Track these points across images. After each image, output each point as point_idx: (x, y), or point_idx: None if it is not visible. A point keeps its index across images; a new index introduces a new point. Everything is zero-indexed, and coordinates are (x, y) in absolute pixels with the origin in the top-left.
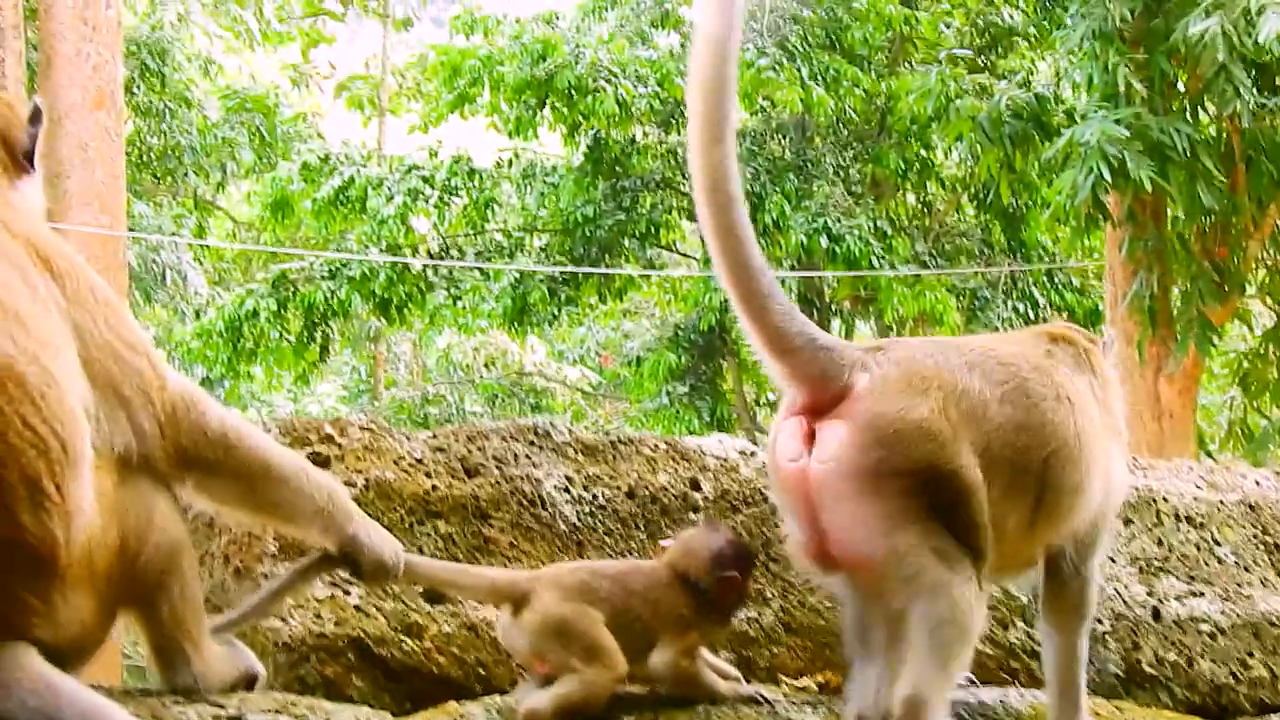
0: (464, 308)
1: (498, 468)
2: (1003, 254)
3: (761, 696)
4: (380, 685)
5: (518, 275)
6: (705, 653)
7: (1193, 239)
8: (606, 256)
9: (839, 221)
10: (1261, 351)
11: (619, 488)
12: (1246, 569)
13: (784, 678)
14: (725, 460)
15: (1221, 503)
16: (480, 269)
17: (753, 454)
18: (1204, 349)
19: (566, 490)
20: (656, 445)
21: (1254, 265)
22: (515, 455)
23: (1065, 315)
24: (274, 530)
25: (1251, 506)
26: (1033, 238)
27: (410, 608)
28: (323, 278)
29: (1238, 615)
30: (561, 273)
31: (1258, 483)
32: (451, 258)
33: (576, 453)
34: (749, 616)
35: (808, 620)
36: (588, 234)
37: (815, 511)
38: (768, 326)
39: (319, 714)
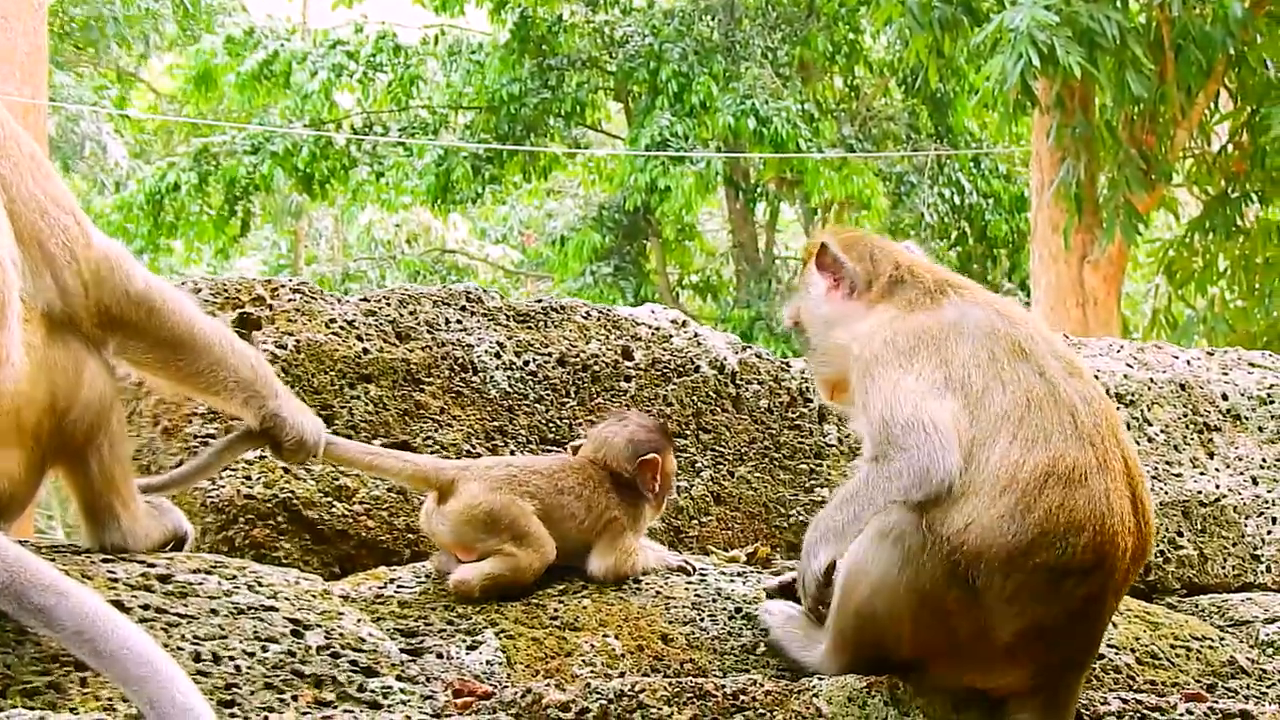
0: (387, 184)
1: (429, 332)
2: (930, 139)
3: (690, 565)
4: (308, 548)
5: (442, 152)
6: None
7: (1120, 127)
8: (531, 135)
9: (767, 103)
10: (1187, 240)
11: (550, 355)
12: (1176, 448)
13: (713, 548)
14: (658, 330)
15: (1152, 381)
16: (404, 145)
17: (684, 324)
18: (1130, 237)
19: (498, 356)
20: (589, 313)
21: (1181, 154)
22: (447, 320)
23: (991, 201)
24: (197, 400)
25: (1182, 386)
26: (960, 123)
27: (340, 470)
28: (245, 152)
29: (1167, 494)
30: (486, 150)
31: (1189, 363)
32: (375, 134)
33: (508, 319)
34: (679, 486)
35: (737, 491)
36: (513, 112)
37: None
38: None
39: (248, 575)
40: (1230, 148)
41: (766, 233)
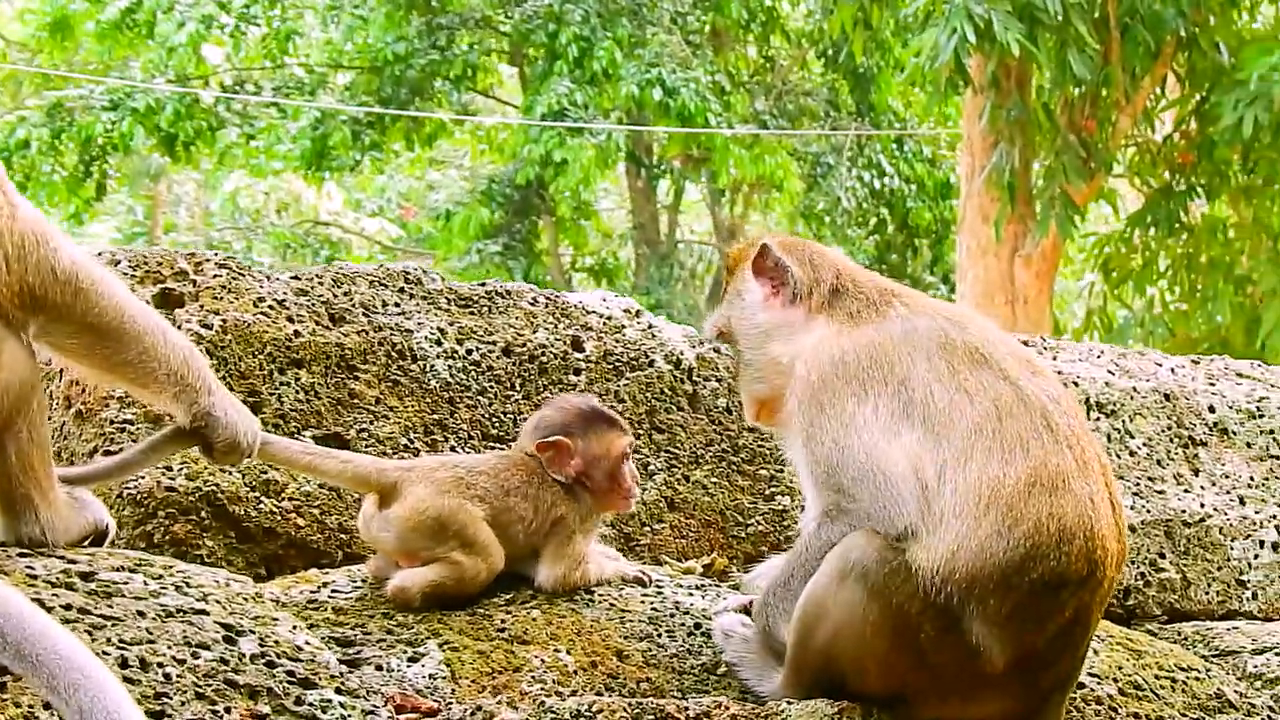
0: (258, 148)
1: (365, 315)
2: (850, 117)
3: (647, 576)
4: (233, 547)
5: (318, 115)
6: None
7: (1059, 111)
8: (416, 99)
9: (674, 73)
10: (1126, 236)
11: (495, 343)
12: (1160, 463)
13: (667, 558)
14: (610, 319)
15: (1135, 390)
16: (278, 106)
17: (638, 314)
18: (1065, 230)
19: (438, 343)
20: (536, 299)
21: (1123, 143)
22: (384, 302)
23: (914, 187)
24: (124, 392)
25: (1167, 396)
26: (883, 101)
27: (268, 463)
28: (103, 108)
29: (1149, 512)
30: (366, 114)
31: (1173, 371)
32: (246, 93)
33: (450, 303)
34: None
35: (693, 496)
36: (397, 74)
37: None
38: None
39: (176, 575)
40: (1176, 137)
41: (669, 214)
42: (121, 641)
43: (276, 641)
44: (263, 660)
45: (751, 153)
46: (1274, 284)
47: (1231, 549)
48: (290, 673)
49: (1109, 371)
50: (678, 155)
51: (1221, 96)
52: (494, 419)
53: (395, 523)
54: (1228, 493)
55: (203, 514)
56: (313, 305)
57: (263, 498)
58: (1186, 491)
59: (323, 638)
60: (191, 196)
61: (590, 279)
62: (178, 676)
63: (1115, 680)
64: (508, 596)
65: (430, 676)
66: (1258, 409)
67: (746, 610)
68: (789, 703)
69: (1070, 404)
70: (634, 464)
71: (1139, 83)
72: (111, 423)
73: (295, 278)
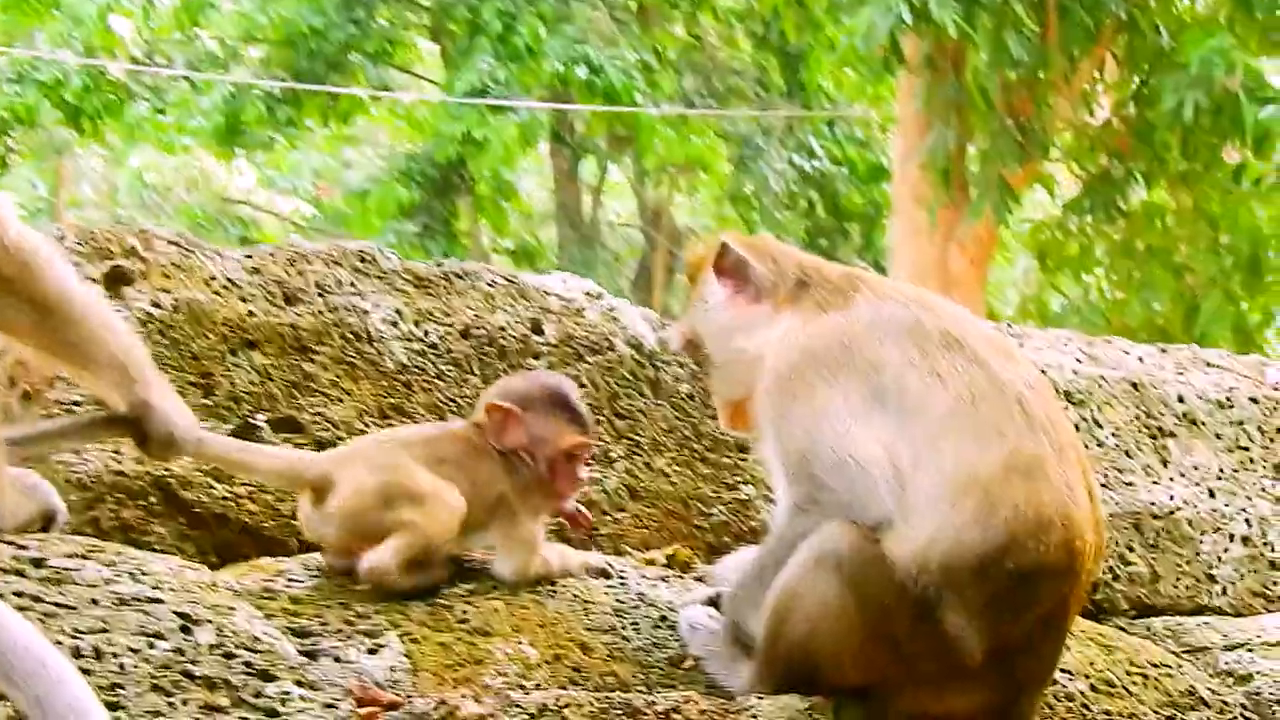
0: (167, 123)
1: (320, 295)
2: (780, 97)
3: (611, 568)
4: (184, 533)
5: (231, 90)
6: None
7: (996, 93)
8: (333, 75)
9: (600, 50)
10: (1063, 222)
11: (453, 325)
12: (1128, 454)
13: (629, 549)
14: (570, 302)
15: (1103, 379)
16: (189, 80)
17: (599, 296)
18: (1000, 215)
19: (395, 325)
20: (494, 280)
21: (1060, 126)
22: (339, 282)
23: (846, 170)
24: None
25: (1135, 385)
26: (814, 81)
27: (204, 461)
28: (8, 80)
29: (1118, 504)
30: (281, 89)
31: (1141, 359)
32: (156, 65)
33: (406, 283)
34: (590, 477)
35: (655, 485)
36: (313, 48)
37: None
38: None
39: (129, 562)
40: (1115, 121)
41: (593, 195)
42: (76, 631)
43: (234, 632)
44: (220, 651)
45: (679, 133)
46: (1212, 272)
47: (1201, 542)
48: (248, 664)
49: (1076, 359)
50: (602, 135)
51: (1161, 80)
52: (452, 403)
53: (336, 515)
54: (1197, 484)
55: (152, 499)
56: (266, 285)
57: (214, 483)
58: (1156, 483)
59: (280, 628)
60: (97, 172)
61: (510, 261)
62: (133, 667)
63: (1086, 676)
64: (469, 587)
65: (390, 669)
66: (1227, 399)
67: (713, 602)
68: (759, 697)
69: (1046, 390)
70: (589, 472)
71: (1077, 65)
72: (59, 404)
73: (248, 256)
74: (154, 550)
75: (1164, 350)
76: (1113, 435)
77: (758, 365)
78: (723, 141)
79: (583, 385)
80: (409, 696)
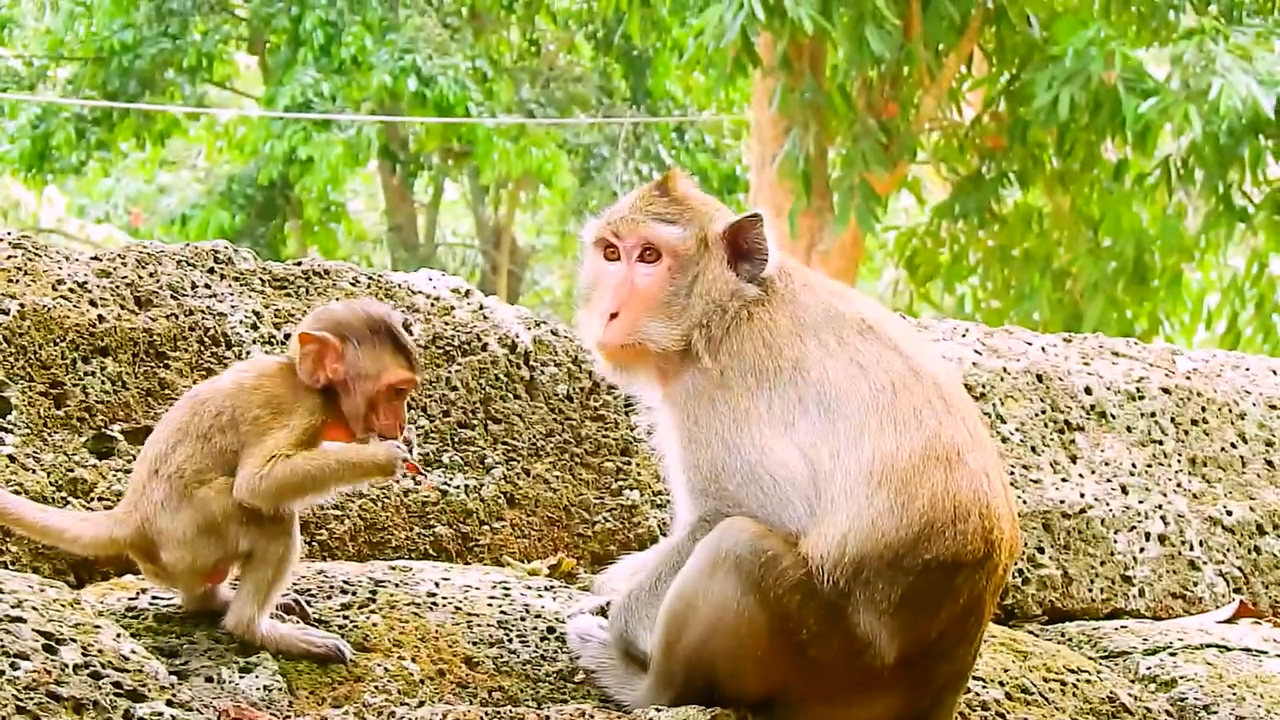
0: None
1: (174, 298)
2: (625, 104)
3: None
4: (38, 551)
5: (39, 111)
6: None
7: (857, 93)
8: (147, 93)
9: (430, 60)
10: (932, 228)
11: None
12: (1034, 450)
13: (510, 559)
14: (437, 300)
15: (1005, 370)
16: None
17: (468, 294)
18: (865, 223)
19: (254, 328)
20: (357, 279)
21: (927, 126)
22: (193, 284)
23: (698, 179)
24: None
25: (1039, 377)
26: (661, 87)
27: (75, 460)
28: None
29: (1025, 504)
30: (91, 110)
31: (1044, 350)
32: None
33: (264, 284)
34: (466, 484)
35: (534, 492)
36: (125, 65)
37: None
38: None
39: None
40: (985, 120)
41: (428, 214)
42: None
43: (100, 651)
44: (87, 671)
45: (518, 145)
46: (1095, 277)
47: (1115, 542)
48: (117, 684)
49: (975, 351)
50: (437, 149)
51: (1034, 74)
52: None
53: (173, 573)
54: (1109, 481)
55: None
56: (116, 288)
57: (70, 498)
58: (1065, 480)
59: (148, 647)
60: None
61: None
62: None
63: (1002, 684)
64: (344, 600)
65: (265, 688)
66: (1137, 390)
67: (603, 612)
68: (658, 709)
69: (956, 378)
70: (409, 412)
71: (943, 60)
72: None
73: (95, 258)
74: (9, 569)
75: (1068, 340)
76: (1017, 430)
77: (698, 354)
78: (565, 153)
79: (454, 388)
80: (286, 716)
